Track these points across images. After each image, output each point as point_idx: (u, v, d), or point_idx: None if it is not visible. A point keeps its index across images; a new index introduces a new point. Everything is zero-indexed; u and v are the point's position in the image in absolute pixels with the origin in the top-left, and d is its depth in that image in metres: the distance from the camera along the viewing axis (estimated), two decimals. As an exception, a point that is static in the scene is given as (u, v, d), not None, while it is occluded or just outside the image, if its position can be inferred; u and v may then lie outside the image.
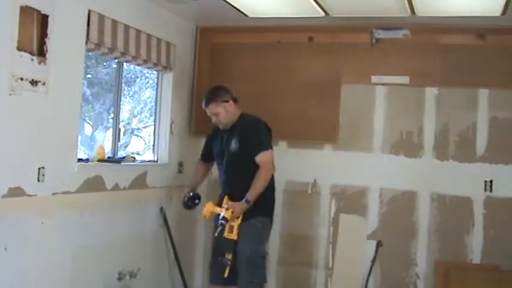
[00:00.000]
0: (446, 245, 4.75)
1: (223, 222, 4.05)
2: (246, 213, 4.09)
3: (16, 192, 3.26)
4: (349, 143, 4.98)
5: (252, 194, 4.05)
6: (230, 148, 4.20)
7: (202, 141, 4.64)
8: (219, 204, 4.20)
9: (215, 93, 4.23)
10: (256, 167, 4.10)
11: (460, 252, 4.70)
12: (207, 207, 4.22)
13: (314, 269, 5.06)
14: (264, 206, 4.16)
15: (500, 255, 4.61)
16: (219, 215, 4.10)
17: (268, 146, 4.16)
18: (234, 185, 4.20)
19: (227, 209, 4.07)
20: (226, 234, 4.10)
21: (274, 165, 4.20)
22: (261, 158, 4.09)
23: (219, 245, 4.19)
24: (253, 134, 4.18)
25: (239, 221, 4.10)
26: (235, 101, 4.24)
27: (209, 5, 4.53)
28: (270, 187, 4.21)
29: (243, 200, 4.07)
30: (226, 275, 4.08)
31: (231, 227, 4.10)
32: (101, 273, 4.06)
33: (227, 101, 4.19)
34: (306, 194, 5.09)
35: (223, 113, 4.19)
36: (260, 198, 4.12)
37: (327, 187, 5.06)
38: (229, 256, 4.08)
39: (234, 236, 4.09)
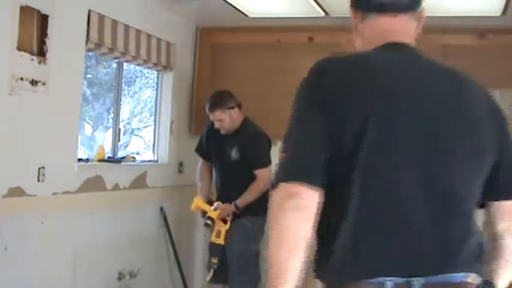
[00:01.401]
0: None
1: (208, 222, 4.13)
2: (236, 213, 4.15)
3: (16, 192, 3.26)
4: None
5: (243, 201, 4.10)
6: (230, 156, 4.21)
7: (202, 141, 4.63)
8: (210, 202, 4.26)
9: (221, 99, 4.18)
10: (252, 176, 4.13)
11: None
12: (195, 202, 4.30)
13: (314, 269, 5.05)
14: (254, 205, 4.16)
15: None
16: (206, 212, 4.19)
17: (268, 163, 4.19)
18: (228, 189, 4.24)
19: (215, 209, 4.12)
20: (213, 239, 4.16)
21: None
22: (260, 173, 4.13)
23: (209, 248, 4.26)
24: (255, 149, 4.19)
25: (227, 226, 4.14)
26: (239, 106, 4.22)
27: (209, 5, 4.52)
28: None
29: (232, 203, 4.11)
30: (208, 279, 4.17)
31: (219, 232, 4.15)
32: (101, 273, 4.06)
33: (233, 108, 4.17)
34: (306, 194, 5.07)
35: (228, 119, 4.16)
36: None
37: (327, 187, 5.04)
38: (214, 260, 4.14)
39: (221, 240, 4.13)
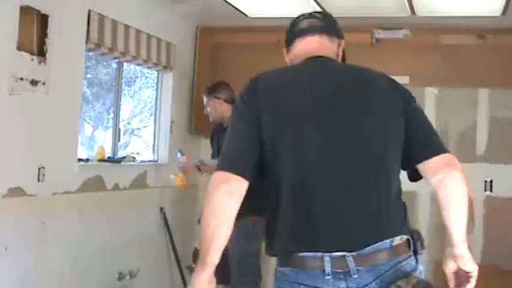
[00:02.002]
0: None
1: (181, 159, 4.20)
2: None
3: (16, 192, 3.26)
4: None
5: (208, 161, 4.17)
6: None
7: (202, 141, 4.65)
8: None
9: (215, 88, 4.26)
10: None
11: (460, 252, 4.70)
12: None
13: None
14: (253, 205, 4.14)
15: (500, 255, 4.61)
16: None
17: None
18: None
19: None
20: (197, 245, 4.18)
21: None
22: None
23: (193, 255, 4.28)
24: None
25: None
26: (230, 102, 4.24)
27: (209, 5, 4.53)
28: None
29: (197, 159, 4.25)
30: None
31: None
32: (101, 273, 4.06)
33: (218, 99, 4.21)
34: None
35: (213, 108, 4.22)
36: (250, 198, 4.15)
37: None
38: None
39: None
